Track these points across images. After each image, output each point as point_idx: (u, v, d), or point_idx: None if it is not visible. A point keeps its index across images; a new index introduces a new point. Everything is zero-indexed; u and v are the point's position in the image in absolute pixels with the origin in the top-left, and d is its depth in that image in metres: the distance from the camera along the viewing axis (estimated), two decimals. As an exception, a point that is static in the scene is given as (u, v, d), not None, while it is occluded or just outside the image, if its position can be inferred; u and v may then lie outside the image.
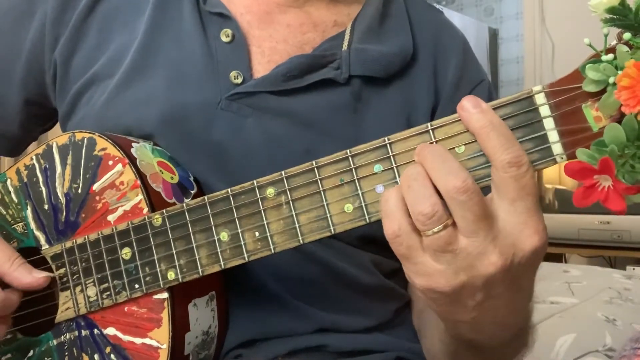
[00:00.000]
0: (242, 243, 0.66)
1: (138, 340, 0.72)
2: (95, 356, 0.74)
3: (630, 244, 3.20)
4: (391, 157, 0.60)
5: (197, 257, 0.68)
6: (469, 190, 0.54)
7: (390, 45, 0.87)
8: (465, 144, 0.58)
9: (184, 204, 0.69)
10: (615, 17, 0.51)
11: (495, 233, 0.55)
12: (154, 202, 0.72)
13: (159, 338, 0.70)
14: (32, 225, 0.78)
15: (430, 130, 0.59)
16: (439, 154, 0.56)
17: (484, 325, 0.63)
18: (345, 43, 0.85)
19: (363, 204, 0.61)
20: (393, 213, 0.57)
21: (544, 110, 0.56)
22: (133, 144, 0.76)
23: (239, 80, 0.82)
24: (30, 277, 0.73)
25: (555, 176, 3.45)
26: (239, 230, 0.66)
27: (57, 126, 1.06)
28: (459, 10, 4.80)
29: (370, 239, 0.84)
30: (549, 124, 0.55)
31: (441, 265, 0.56)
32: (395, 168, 0.60)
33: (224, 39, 0.84)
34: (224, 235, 0.67)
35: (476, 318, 0.61)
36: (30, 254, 0.78)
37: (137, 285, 0.71)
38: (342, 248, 0.82)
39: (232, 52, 0.84)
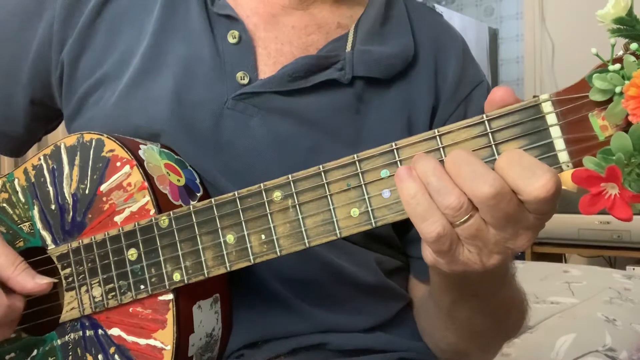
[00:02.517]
0: (248, 245, 0.67)
1: (142, 341, 0.72)
2: (99, 356, 0.74)
3: (630, 244, 3.20)
4: (398, 162, 0.60)
5: (203, 259, 0.69)
6: (499, 195, 0.54)
7: (392, 47, 0.88)
8: (473, 150, 0.58)
9: (191, 206, 0.69)
10: (622, 27, 0.51)
11: (525, 222, 0.57)
12: (161, 203, 0.72)
13: (163, 339, 0.71)
14: (39, 225, 0.79)
15: (438, 137, 0.59)
16: (462, 157, 0.56)
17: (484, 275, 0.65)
18: (349, 45, 0.86)
19: (369, 208, 0.61)
20: (431, 214, 0.57)
21: (551, 119, 0.56)
22: (141, 146, 0.76)
23: (245, 81, 0.83)
24: (32, 282, 0.73)
25: (555, 176, 3.45)
26: (245, 233, 0.67)
27: (58, 129, 1.07)
28: (459, 10, 4.80)
29: (375, 237, 0.84)
30: (555, 132, 0.56)
31: (475, 251, 0.58)
32: None
33: (231, 40, 0.85)
34: (230, 238, 0.67)
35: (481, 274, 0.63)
36: (37, 254, 0.78)
37: (142, 286, 0.71)
38: (346, 247, 0.83)
39: (238, 53, 0.85)
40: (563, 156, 0.56)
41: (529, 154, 0.55)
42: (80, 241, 0.75)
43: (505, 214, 0.55)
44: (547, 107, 0.56)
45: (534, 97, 0.57)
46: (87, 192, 0.75)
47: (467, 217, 0.56)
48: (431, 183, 0.56)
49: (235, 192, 0.67)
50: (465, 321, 0.79)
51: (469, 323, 0.79)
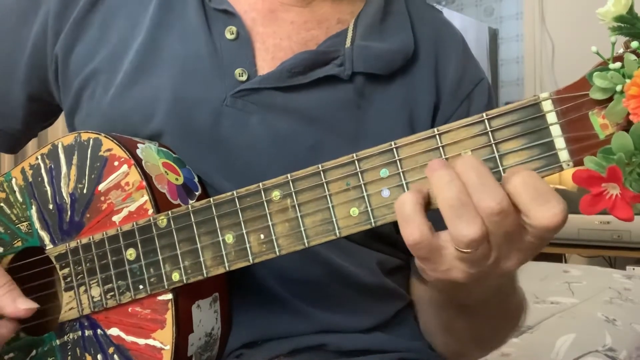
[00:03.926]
0: (247, 245, 0.66)
1: (141, 341, 0.72)
2: (99, 356, 0.74)
3: (630, 244, 3.21)
4: (397, 161, 0.60)
5: (201, 259, 0.68)
6: (504, 212, 0.54)
7: (392, 43, 0.87)
8: (472, 150, 0.58)
9: (189, 206, 0.69)
10: (623, 25, 0.51)
11: (521, 243, 0.56)
12: (159, 203, 0.72)
13: (163, 339, 0.70)
14: (37, 224, 0.78)
15: (437, 136, 0.59)
16: (474, 167, 0.55)
17: (478, 290, 0.65)
18: (348, 40, 0.85)
19: (369, 208, 0.61)
20: (412, 219, 0.56)
21: (551, 117, 0.56)
22: (139, 145, 0.76)
23: (244, 78, 0.82)
24: (12, 306, 0.72)
25: (555, 176, 3.45)
26: (244, 233, 0.66)
27: (57, 125, 1.07)
28: (459, 10, 4.80)
29: (376, 235, 0.84)
30: (555, 130, 0.55)
31: (464, 265, 0.57)
32: (401, 173, 0.60)
33: (229, 36, 0.84)
34: (229, 237, 0.67)
35: (472, 288, 0.63)
36: (35, 254, 0.78)
37: (141, 286, 0.71)
38: (347, 246, 0.82)
39: (236, 50, 0.84)
40: (563, 155, 0.55)
41: (542, 179, 0.55)
42: (79, 241, 0.75)
43: (505, 232, 0.55)
44: (547, 105, 0.56)
45: (534, 96, 0.57)
46: (85, 191, 0.75)
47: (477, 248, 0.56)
48: (453, 206, 0.55)
49: (234, 192, 0.67)
50: (464, 330, 0.80)
51: (469, 330, 0.80)
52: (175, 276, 0.69)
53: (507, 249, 0.57)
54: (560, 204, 0.53)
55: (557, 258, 3.65)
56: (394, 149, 0.60)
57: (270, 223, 0.65)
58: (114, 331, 0.73)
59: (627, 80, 0.50)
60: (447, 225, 0.56)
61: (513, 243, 0.56)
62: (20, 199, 0.80)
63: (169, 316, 0.70)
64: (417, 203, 0.56)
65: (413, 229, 0.56)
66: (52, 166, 0.78)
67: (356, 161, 0.62)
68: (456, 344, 0.85)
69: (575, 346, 1.53)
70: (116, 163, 0.74)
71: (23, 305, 0.73)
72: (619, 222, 3.16)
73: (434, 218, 0.57)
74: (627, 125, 0.52)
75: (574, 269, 2.44)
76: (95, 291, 0.74)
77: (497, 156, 0.57)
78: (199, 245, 0.68)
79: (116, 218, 0.73)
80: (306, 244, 0.64)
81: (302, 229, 0.64)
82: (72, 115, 0.91)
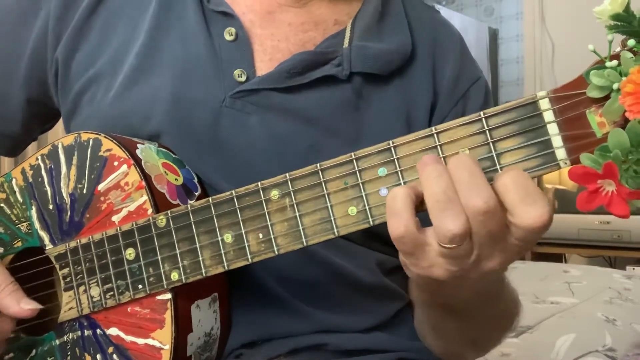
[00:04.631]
0: (246, 244, 0.66)
1: (140, 341, 0.72)
2: (98, 356, 0.74)
3: (630, 244, 3.21)
4: (395, 160, 0.60)
5: (200, 258, 0.68)
6: (490, 212, 0.54)
7: (390, 43, 0.87)
8: (469, 148, 0.58)
9: (189, 205, 0.69)
10: (619, 24, 0.51)
11: (504, 244, 0.57)
12: (159, 203, 0.72)
13: (162, 339, 0.70)
14: (37, 225, 0.78)
15: (435, 134, 0.59)
16: (466, 165, 0.56)
17: (460, 289, 0.65)
18: (346, 40, 0.86)
19: (367, 206, 0.61)
20: (400, 213, 0.57)
21: (548, 116, 0.56)
22: (138, 145, 0.76)
23: (243, 79, 0.82)
24: (16, 307, 0.73)
25: (555, 176, 3.46)
26: (243, 232, 0.66)
27: (57, 127, 1.07)
28: (459, 10, 4.80)
29: (375, 235, 0.84)
30: (553, 129, 0.56)
31: (446, 262, 0.58)
32: (399, 171, 0.60)
33: (228, 37, 0.84)
34: (228, 237, 0.67)
35: (454, 287, 0.63)
36: (35, 254, 0.78)
37: (140, 286, 0.71)
38: (346, 246, 0.82)
39: (235, 51, 0.84)
40: (561, 153, 0.56)
41: (532, 179, 0.56)
42: (78, 241, 0.75)
43: (488, 231, 0.55)
44: (544, 104, 0.56)
45: (531, 95, 0.57)
46: (84, 191, 0.75)
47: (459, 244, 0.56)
48: (440, 200, 0.55)
49: (233, 191, 0.67)
50: (453, 331, 0.80)
51: (458, 331, 0.80)
52: (174, 276, 0.69)
53: (489, 249, 0.57)
54: (546, 206, 0.54)
55: (557, 258, 3.65)
56: (392, 148, 0.60)
57: (268, 222, 0.65)
58: (113, 331, 0.73)
59: (624, 78, 0.50)
60: (431, 220, 0.56)
61: (496, 243, 0.57)
62: (20, 200, 0.80)
63: (168, 316, 0.70)
64: (408, 198, 0.57)
65: (399, 223, 0.57)
66: (52, 166, 0.78)
67: (354, 160, 0.62)
68: (448, 345, 0.85)
69: (575, 346, 1.53)
70: (116, 163, 0.74)
71: (27, 306, 0.73)
72: (619, 222, 3.16)
73: (423, 218, 0.58)
74: (623, 123, 0.52)
75: (574, 269, 2.44)
76: (95, 291, 0.74)
77: (494, 155, 0.57)
78: (197, 245, 0.68)
79: (115, 218, 0.73)
80: (305, 243, 0.64)
81: (301, 228, 0.64)
82: (69, 119, 0.91)
